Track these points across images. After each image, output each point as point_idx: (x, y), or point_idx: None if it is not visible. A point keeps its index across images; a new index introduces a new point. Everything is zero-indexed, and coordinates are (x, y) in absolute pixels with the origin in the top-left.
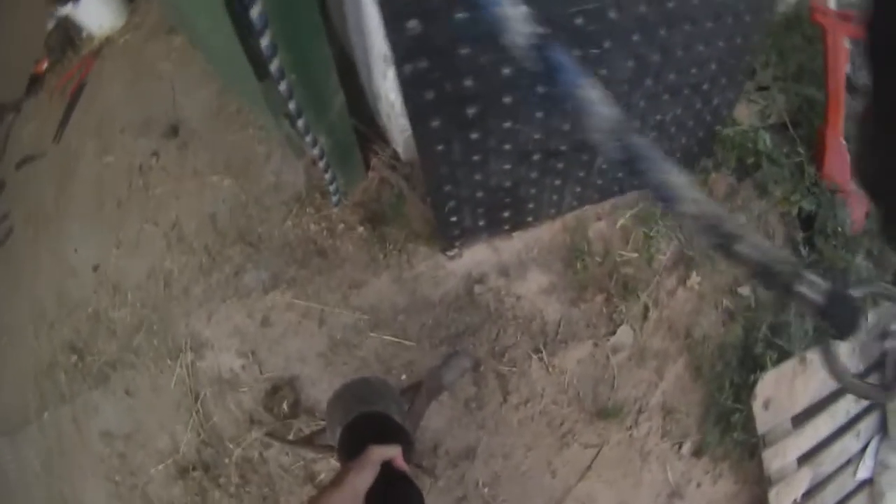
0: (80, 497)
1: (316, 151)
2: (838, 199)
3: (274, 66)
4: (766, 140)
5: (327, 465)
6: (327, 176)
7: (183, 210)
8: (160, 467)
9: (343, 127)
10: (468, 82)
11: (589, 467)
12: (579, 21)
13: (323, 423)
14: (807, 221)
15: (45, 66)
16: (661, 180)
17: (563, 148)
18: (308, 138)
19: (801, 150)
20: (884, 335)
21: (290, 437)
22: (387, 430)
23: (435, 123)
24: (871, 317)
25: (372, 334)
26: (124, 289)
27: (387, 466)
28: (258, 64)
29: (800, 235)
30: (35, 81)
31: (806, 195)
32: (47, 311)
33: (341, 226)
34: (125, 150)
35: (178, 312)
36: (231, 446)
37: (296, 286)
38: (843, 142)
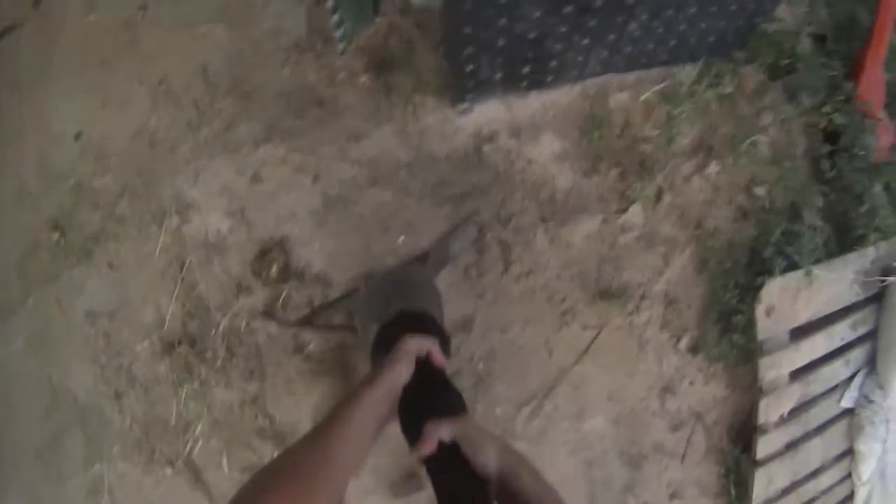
0: (66, 382)
1: None
2: (868, 123)
3: None
4: (806, 45)
5: (314, 337)
6: (334, 18)
7: (172, 64)
8: (145, 343)
9: None
10: None
11: (586, 350)
12: None
13: (314, 286)
14: (831, 136)
15: None
16: None
17: (598, 3)
18: None
19: (836, 64)
20: (886, 271)
21: (281, 309)
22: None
23: None
24: (877, 249)
25: (370, 190)
26: (108, 154)
27: (423, 363)
28: None
29: (823, 149)
30: None
31: (838, 109)
32: (30, 187)
33: (343, 73)
34: (111, 4)
35: (164, 173)
36: (217, 316)
37: (290, 139)
38: (882, 70)
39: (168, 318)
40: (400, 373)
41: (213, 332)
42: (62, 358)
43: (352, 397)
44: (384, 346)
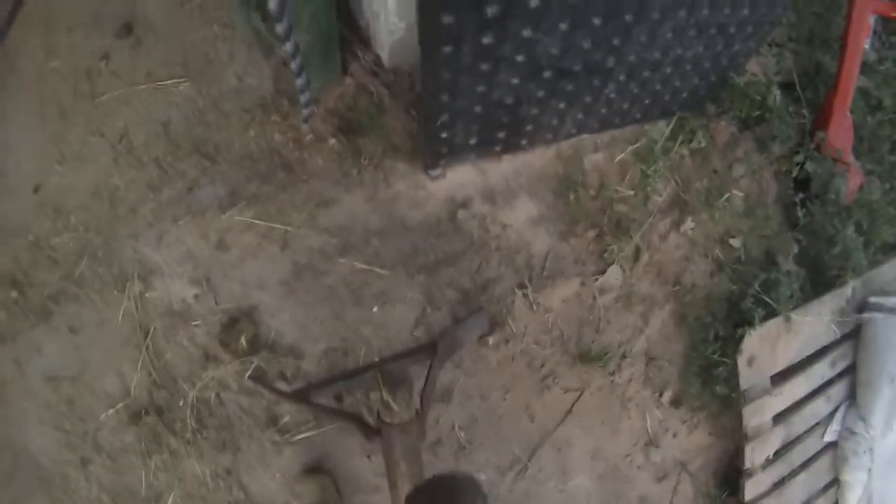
0: (28, 446)
1: (289, 48)
2: (838, 167)
3: None
4: (776, 95)
5: (291, 407)
6: (299, 81)
7: (133, 118)
8: (110, 412)
9: (327, 19)
10: None
11: (568, 412)
12: None
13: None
14: (802, 184)
15: None
16: None
17: (576, 68)
18: (281, 28)
19: (805, 112)
20: (861, 308)
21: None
22: None
23: (447, 19)
24: (852, 287)
25: (341, 259)
26: (67, 211)
27: None
28: None
29: (794, 196)
30: None
31: (807, 157)
32: None
33: (310, 136)
34: (72, 52)
35: (125, 235)
36: (185, 387)
37: (256, 204)
38: (849, 113)
39: (133, 386)
40: None
41: (182, 402)
42: (23, 421)
43: None
44: None
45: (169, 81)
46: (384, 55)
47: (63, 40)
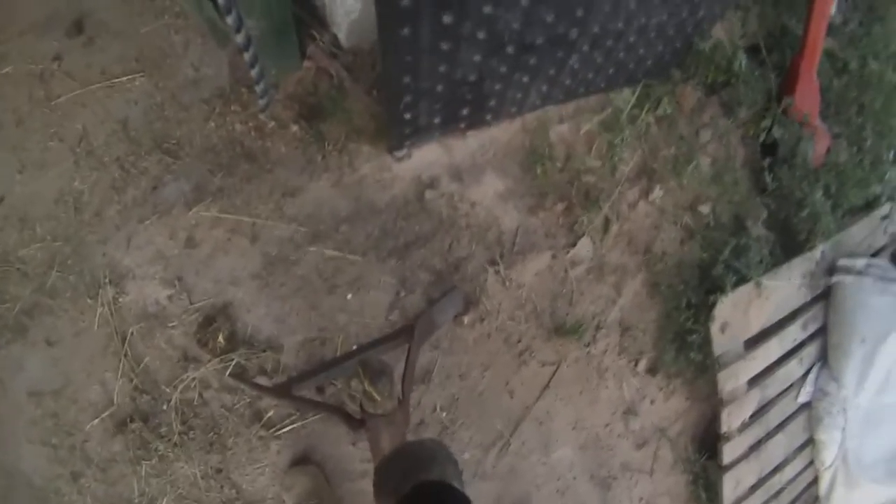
0: (20, 466)
1: (240, 40)
2: (805, 131)
3: None
4: (742, 60)
5: (273, 402)
6: (254, 72)
7: (90, 119)
8: (95, 423)
9: (281, 4)
10: None
11: (547, 386)
12: None
13: (265, 352)
14: (769, 148)
15: None
16: None
17: (539, 42)
18: (231, 19)
19: (771, 75)
20: (831, 270)
21: (248, 377)
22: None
23: (405, 2)
24: (821, 250)
25: (311, 248)
26: (32, 220)
27: None
28: None
29: (762, 161)
30: None
31: (774, 121)
32: None
33: (272, 124)
34: (24, 56)
35: (93, 241)
36: (168, 390)
37: (222, 198)
38: (816, 77)
39: (116, 394)
40: None
41: (166, 406)
42: (11, 440)
43: None
44: None
45: (124, 78)
46: (342, 36)
47: (13, 45)
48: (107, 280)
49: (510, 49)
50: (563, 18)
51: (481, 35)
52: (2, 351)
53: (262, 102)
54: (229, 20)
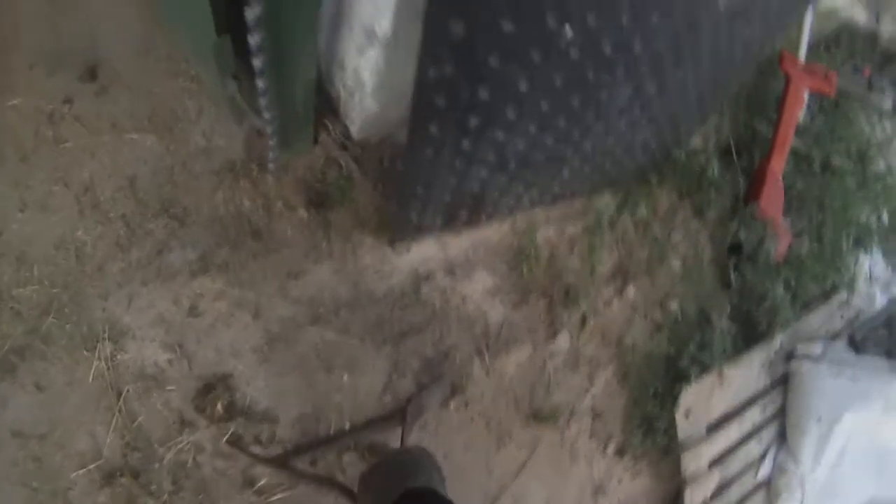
0: None
1: (267, 117)
2: (769, 230)
3: (252, 15)
4: (714, 167)
5: (267, 470)
6: (272, 143)
7: (98, 170)
8: (81, 472)
9: (307, 96)
10: (483, 93)
11: (523, 466)
12: (607, 49)
13: (262, 424)
14: (735, 248)
15: None
16: None
17: (539, 159)
18: (264, 102)
19: (740, 179)
20: (789, 356)
21: (255, 451)
22: None
23: (434, 129)
24: (780, 339)
25: (311, 328)
26: (30, 261)
27: None
28: (220, 13)
29: (727, 259)
30: None
31: (742, 224)
32: None
33: (279, 204)
34: (34, 91)
35: (93, 294)
36: (161, 450)
37: (227, 271)
38: (781, 180)
39: (106, 447)
40: None
41: (157, 465)
42: None
43: None
44: None
45: (135, 135)
46: (353, 129)
47: (22, 76)
48: (105, 335)
49: (512, 165)
50: (562, 141)
51: (491, 157)
52: None
53: (271, 166)
54: (262, 101)
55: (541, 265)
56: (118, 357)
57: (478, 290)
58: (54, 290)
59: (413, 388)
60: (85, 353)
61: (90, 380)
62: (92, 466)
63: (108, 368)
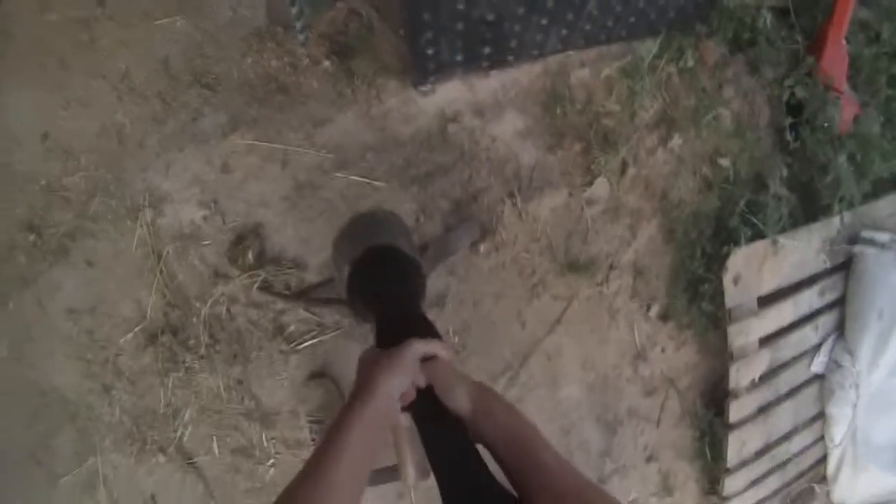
0: (53, 381)
1: None
2: (830, 95)
3: None
4: (766, 19)
5: (296, 317)
6: (294, 10)
7: (133, 59)
8: (129, 336)
9: None
10: None
11: (558, 321)
12: None
13: (290, 270)
14: (794, 109)
15: None
16: None
17: None
18: None
19: (798, 38)
20: (853, 240)
21: (275, 288)
22: (398, 263)
23: None
24: (843, 218)
25: (338, 174)
26: (76, 153)
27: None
28: None
29: (786, 121)
30: None
31: (799, 83)
32: None
33: (305, 61)
34: (67, 2)
35: (134, 168)
36: (198, 305)
37: (256, 127)
38: (845, 42)
39: (149, 310)
40: (399, 381)
41: (195, 320)
42: (47, 358)
43: (348, 419)
44: (355, 286)
45: (165, 20)
46: None
47: None
48: (146, 203)
49: None
50: None
51: None
52: (44, 275)
53: (301, 37)
54: None
55: (576, 108)
56: (158, 222)
57: (508, 132)
58: (99, 173)
59: (441, 230)
60: (129, 223)
61: (134, 248)
62: (137, 329)
63: (150, 234)
